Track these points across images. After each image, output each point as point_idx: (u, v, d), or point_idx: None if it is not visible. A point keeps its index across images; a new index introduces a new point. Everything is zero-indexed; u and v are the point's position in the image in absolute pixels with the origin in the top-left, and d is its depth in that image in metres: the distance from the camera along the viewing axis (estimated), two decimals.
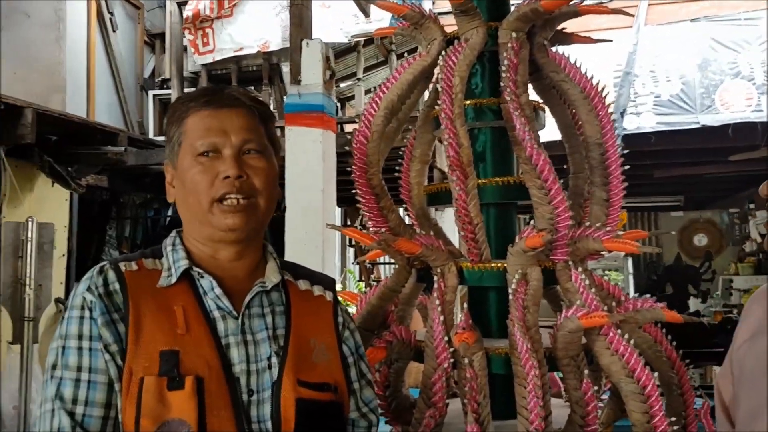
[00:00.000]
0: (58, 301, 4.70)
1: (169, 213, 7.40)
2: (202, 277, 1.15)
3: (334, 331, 1.24)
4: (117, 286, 1.10)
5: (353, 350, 1.26)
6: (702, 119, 5.43)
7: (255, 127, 1.18)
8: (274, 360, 1.13)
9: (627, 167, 1.65)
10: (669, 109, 5.49)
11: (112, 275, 1.11)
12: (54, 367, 1.06)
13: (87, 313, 1.07)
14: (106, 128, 5.15)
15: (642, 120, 5.49)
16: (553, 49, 1.74)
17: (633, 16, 5.49)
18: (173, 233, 1.22)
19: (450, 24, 1.74)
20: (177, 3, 6.41)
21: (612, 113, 1.71)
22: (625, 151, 1.66)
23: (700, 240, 9.63)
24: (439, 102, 1.64)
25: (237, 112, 1.17)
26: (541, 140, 1.61)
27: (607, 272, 9.16)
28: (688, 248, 9.60)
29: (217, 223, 1.13)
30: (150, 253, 1.19)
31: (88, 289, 1.09)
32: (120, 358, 1.06)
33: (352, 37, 5.84)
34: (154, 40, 7.24)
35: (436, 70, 1.73)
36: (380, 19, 5.41)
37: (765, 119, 5.36)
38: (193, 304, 1.12)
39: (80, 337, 1.06)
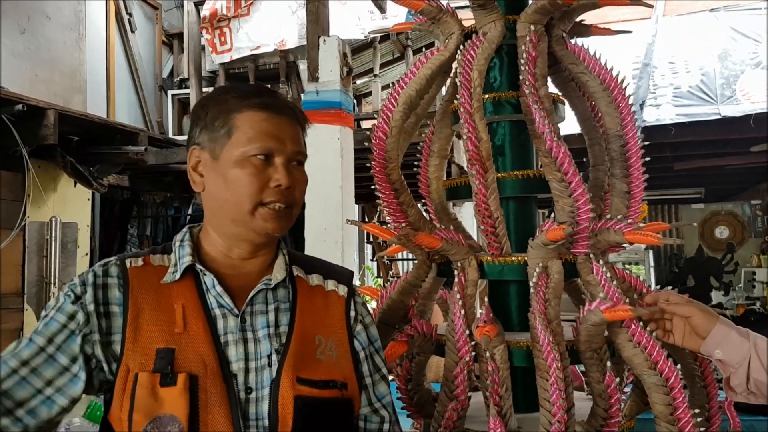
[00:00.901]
0: None
1: (189, 211, 7.46)
2: (205, 274, 1.16)
3: (345, 326, 1.23)
4: (116, 280, 1.13)
5: (366, 345, 1.25)
6: (722, 110, 5.36)
7: (302, 138, 1.22)
8: (275, 358, 1.13)
9: (647, 159, 1.64)
10: (689, 100, 5.43)
11: (114, 269, 1.14)
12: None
13: (67, 292, 1.12)
14: (127, 128, 5.20)
15: (661, 112, 5.44)
16: (572, 41, 1.74)
17: (652, 6, 5.43)
18: (185, 229, 1.23)
19: (467, 18, 1.74)
20: (194, 3, 6.45)
21: (632, 105, 1.70)
22: (645, 143, 1.65)
23: (722, 232, 9.52)
24: (457, 96, 1.64)
25: (291, 121, 1.19)
26: (562, 133, 1.61)
27: (627, 266, 9.09)
28: (710, 240, 9.50)
29: (256, 226, 1.15)
30: (161, 249, 1.20)
31: (81, 276, 1.14)
32: (101, 348, 1.08)
33: (369, 33, 5.84)
34: (172, 40, 7.30)
35: (454, 65, 1.73)
36: (396, 15, 5.41)
37: None
38: (195, 301, 1.14)
39: (54, 308, 1.11)
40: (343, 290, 1.26)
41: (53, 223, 4.41)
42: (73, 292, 1.11)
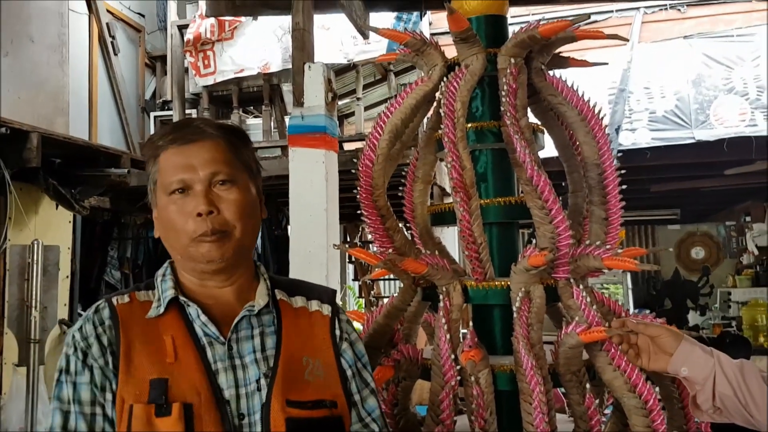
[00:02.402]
0: (62, 322, 4.74)
1: None
2: (189, 305, 1.18)
3: (331, 345, 1.24)
4: (109, 322, 1.15)
5: (353, 362, 1.26)
6: (697, 134, 5.50)
7: (223, 158, 1.18)
8: (263, 382, 1.14)
9: (624, 183, 1.70)
10: (664, 124, 5.56)
11: (106, 312, 1.17)
12: (51, 399, 1.13)
13: (76, 353, 1.13)
14: (110, 150, 5.20)
15: (637, 136, 5.57)
16: (551, 72, 1.80)
17: (627, 40, 5.58)
18: (166, 264, 1.25)
19: (448, 44, 1.79)
20: (178, 26, 6.49)
21: (608, 129, 1.76)
22: (622, 171, 1.72)
23: (698, 253, 9.68)
24: (441, 126, 1.69)
25: (202, 145, 1.18)
26: (541, 156, 1.67)
27: (606, 286, 9.20)
28: (686, 261, 9.66)
29: (197, 256, 1.16)
30: (144, 286, 1.23)
31: (80, 329, 1.15)
32: (108, 388, 1.11)
33: (353, 61, 5.92)
34: (155, 62, 7.32)
35: (438, 94, 1.79)
36: (378, 40, 5.48)
37: (759, 134, 5.43)
38: (183, 332, 1.16)
39: (68, 372, 1.12)
40: (327, 310, 1.27)
41: (35, 246, 4.39)
42: (81, 351, 1.13)
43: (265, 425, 1.11)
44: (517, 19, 5.57)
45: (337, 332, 1.26)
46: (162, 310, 1.17)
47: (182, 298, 1.18)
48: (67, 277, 5.20)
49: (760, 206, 7.40)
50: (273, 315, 1.22)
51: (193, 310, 1.17)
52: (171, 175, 1.16)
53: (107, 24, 6.67)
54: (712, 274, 9.26)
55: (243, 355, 1.16)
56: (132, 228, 7.32)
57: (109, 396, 1.10)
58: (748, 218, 7.99)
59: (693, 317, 7.69)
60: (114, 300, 1.18)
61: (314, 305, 1.27)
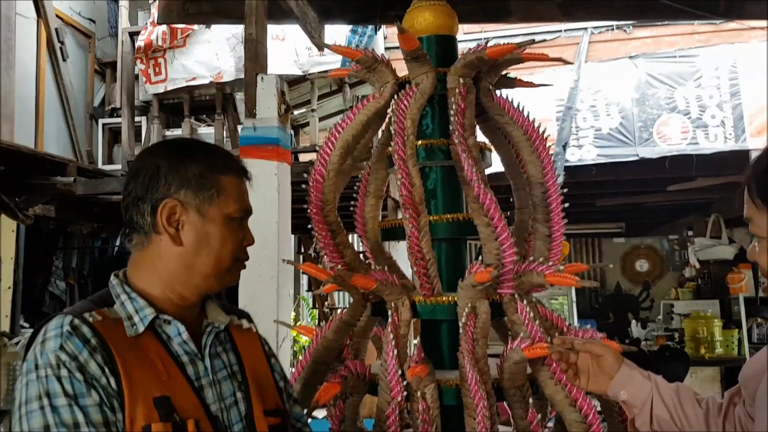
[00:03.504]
0: (3, 335, 4.58)
1: (117, 243, 7.27)
2: (168, 323, 1.17)
3: (265, 359, 1.35)
4: (96, 340, 1.08)
5: (280, 375, 1.37)
6: (640, 152, 5.68)
7: None
8: (239, 395, 1.21)
9: (571, 197, 1.76)
10: (609, 141, 5.73)
11: (87, 330, 1.09)
12: (47, 428, 1.01)
13: (65, 372, 1.04)
14: (56, 158, 5.08)
15: (584, 152, 5.72)
16: (498, 92, 1.85)
17: (572, 63, 5.75)
18: (116, 280, 1.20)
19: (402, 58, 1.82)
20: (129, 33, 6.39)
21: (553, 147, 1.82)
22: (565, 190, 1.77)
23: (642, 265, 9.96)
24: (392, 143, 1.72)
25: (247, 184, 1.30)
26: (492, 171, 1.72)
27: (552, 300, 9.37)
28: (631, 273, 9.92)
29: (227, 280, 1.23)
30: (100, 301, 1.16)
31: (62, 348, 1.05)
32: (118, 408, 1.06)
33: (307, 72, 5.93)
34: (105, 68, 7.18)
35: (389, 111, 1.81)
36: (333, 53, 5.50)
37: (699, 152, 5.64)
38: (163, 350, 1.15)
39: (66, 395, 1.03)
40: (254, 327, 1.38)
41: None
42: (77, 371, 1.05)
43: None
44: (470, 35, 5.68)
45: (266, 348, 1.38)
46: (141, 329, 1.14)
47: (164, 316, 1.17)
48: (10, 288, 5.04)
49: (702, 221, 7.67)
50: (225, 332, 1.28)
51: (173, 328, 1.17)
52: (237, 202, 1.23)
53: (56, 29, 6.52)
54: (656, 286, 9.54)
55: (216, 371, 1.21)
56: (78, 237, 7.13)
57: (120, 416, 1.05)
58: (690, 232, 8.26)
59: (636, 330, 7.89)
60: (87, 317, 1.11)
61: (245, 323, 1.36)
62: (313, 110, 6.30)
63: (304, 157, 6.30)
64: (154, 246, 1.19)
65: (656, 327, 8.15)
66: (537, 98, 5.14)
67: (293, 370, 1.73)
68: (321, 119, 7.03)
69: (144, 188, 1.18)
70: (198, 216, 1.18)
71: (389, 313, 1.64)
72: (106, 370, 1.06)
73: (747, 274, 7.16)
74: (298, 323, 9.02)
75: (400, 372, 1.52)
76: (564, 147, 5.56)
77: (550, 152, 1.83)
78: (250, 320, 1.38)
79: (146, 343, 1.14)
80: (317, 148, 1.97)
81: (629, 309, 6.97)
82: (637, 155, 5.67)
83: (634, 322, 7.58)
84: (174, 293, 1.19)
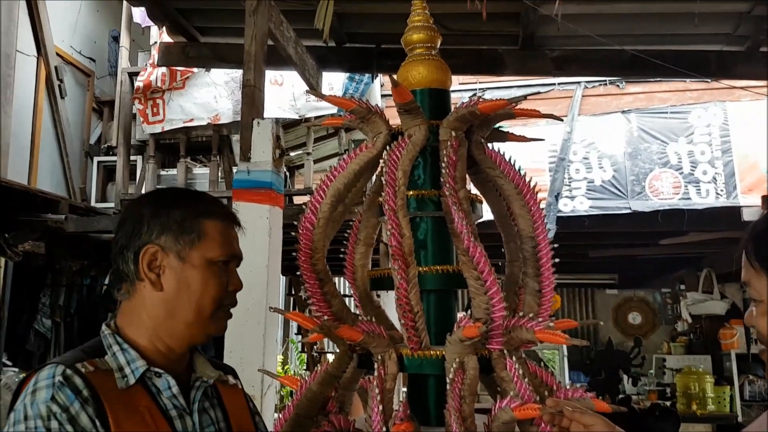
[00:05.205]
0: None
1: (106, 281, 7.19)
2: (159, 376, 1.15)
3: (250, 416, 1.32)
4: (87, 391, 1.06)
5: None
6: (633, 205, 5.73)
7: None
8: None
9: (564, 248, 1.75)
10: (601, 194, 5.78)
11: (79, 381, 1.07)
12: None
13: (55, 425, 1.01)
14: (48, 195, 5.06)
15: (576, 203, 5.76)
16: (490, 146, 1.86)
17: (562, 120, 5.84)
18: (108, 330, 1.19)
19: (391, 106, 1.84)
20: (129, 73, 6.45)
21: (546, 198, 1.83)
22: (556, 245, 1.77)
23: (635, 318, 9.93)
24: (383, 193, 1.72)
25: (236, 231, 1.28)
26: (484, 219, 1.71)
27: (545, 351, 9.29)
28: (623, 325, 9.88)
29: (211, 328, 1.20)
30: (91, 352, 1.15)
31: (53, 399, 1.03)
32: None
33: (303, 117, 5.98)
34: (103, 107, 7.22)
35: (381, 161, 1.82)
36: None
37: (691, 207, 5.68)
38: (152, 403, 1.13)
39: None
40: (239, 384, 1.35)
41: None
42: (68, 423, 1.02)
43: None
44: (465, 86, 5.77)
45: (251, 405, 1.36)
46: (132, 381, 1.12)
47: (153, 369, 1.15)
48: None
49: (694, 275, 7.68)
50: (212, 387, 1.26)
51: (163, 381, 1.15)
52: (221, 247, 1.20)
53: (56, 67, 6.58)
54: (649, 340, 9.48)
55: (204, 427, 1.18)
56: (67, 274, 7.06)
57: None
58: (682, 286, 8.26)
59: (627, 386, 7.80)
60: (80, 367, 1.09)
61: (231, 379, 1.33)
62: (308, 153, 6.33)
63: (298, 200, 6.31)
64: (139, 294, 1.18)
65: (648, 381, 8.06)
66: (530, 149, 5.21)
67: (279, 415, 1.69)
68: (316, 161, 7.07)
69: (128, 236, 1.18)
70: (178, 260, 1.17)
71: (375, 366, 1.61)
72: (97, 423, 1.04)
73: (739, 330, 7.12)
74: (286, 366, 8.89)
75: (384, 429, 1.48)
76: (556, 197, 5.60)
77: (542, 204, 1.84)
78: (235, 376, 1.35)
79: (136, 396, 1.12)
80: (312, 191, 1.97)
81: (621, 365, 6.92)
82: (630, 208, 5.72)
83: (625, 378, 7.51)
84: (161, 343, 1.18)
